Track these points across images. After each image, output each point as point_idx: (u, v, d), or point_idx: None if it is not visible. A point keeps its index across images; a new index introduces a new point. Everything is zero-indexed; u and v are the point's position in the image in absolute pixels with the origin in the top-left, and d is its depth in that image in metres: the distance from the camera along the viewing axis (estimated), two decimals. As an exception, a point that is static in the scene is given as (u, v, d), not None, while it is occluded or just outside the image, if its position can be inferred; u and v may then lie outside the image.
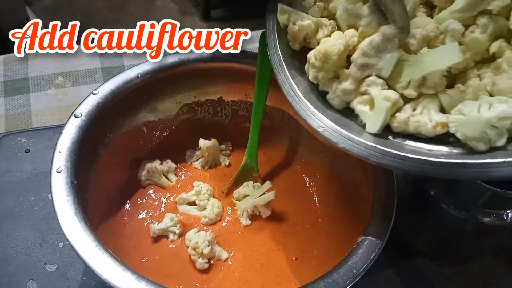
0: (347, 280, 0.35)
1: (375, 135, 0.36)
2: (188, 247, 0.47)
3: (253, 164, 0.53)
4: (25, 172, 0.54)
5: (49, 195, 0.50)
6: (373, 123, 0.37)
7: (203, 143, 0.54)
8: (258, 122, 0.51)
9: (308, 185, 0.56)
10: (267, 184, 0.51)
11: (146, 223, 0.50)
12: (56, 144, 0.41)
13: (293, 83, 0.40)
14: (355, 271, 0.36)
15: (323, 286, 0.35)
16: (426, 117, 0.35)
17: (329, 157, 0.53)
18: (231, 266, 0.48)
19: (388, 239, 0.39)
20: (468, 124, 0.32)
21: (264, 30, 0.46)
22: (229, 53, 0.52)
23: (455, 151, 0.34)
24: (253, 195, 0.51)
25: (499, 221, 0.43)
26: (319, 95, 0.41)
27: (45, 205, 0.51)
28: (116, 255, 0.36)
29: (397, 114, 0.36)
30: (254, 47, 0.78)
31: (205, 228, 0.50)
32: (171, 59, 0.51)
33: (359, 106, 0.38)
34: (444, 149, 0.34)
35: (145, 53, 0.73)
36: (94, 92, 0.46)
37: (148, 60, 0.50)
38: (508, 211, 0.43)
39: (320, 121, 0.37)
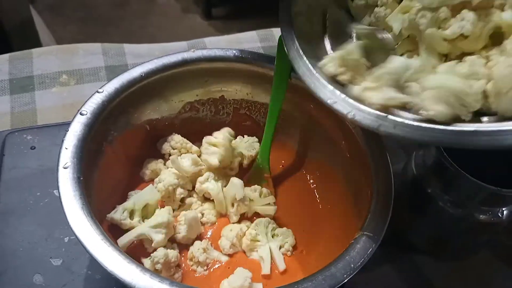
0: (344, 273, 0.36)
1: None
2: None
3: (265, 164, 0.55)
4: (30, 168, 0.55)
5: (55, 191, 0.52)
6: None
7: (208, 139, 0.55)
8: (272, 126, 0.52)
9: (309, 182, 0.57)
10: (271, 198, 0.52)
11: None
12: (62, 141, 0.42)
13: (304, 57, 0.41)
14: (352, 265, 0.37)
15: (322, 279, 0.36)
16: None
17: (329, 155, 0.54)
18: (235, 263, 0.48)
19: (386, 236, 0.40)
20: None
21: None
22: (231, 52, 0.53)
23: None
24: (256, 202, 0.52)
25: (494, 218, 0.44)
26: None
27: (50, 201, 0.52)
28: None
29: None
30: (256, 46, 0.80)
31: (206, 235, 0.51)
32: (174, 59, 0.52)
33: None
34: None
35: (147, 52, 0.74)
36: (99, 90, 0.47)
37: (151, 59, 0.51)
38: (503, 209, 0.44)
39: (330, 94, 0.38)
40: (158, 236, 0.45)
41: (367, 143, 0.47)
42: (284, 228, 0.51)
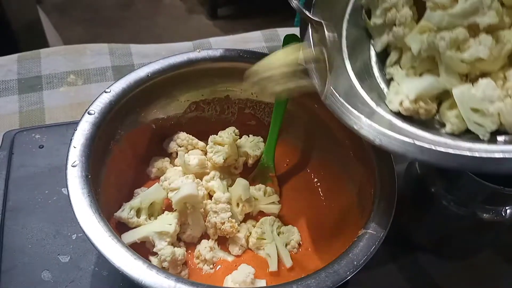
0: (347, 271, 0.37)
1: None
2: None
3: (270, 163, 0.55)
4: (39, 167, 0.56)
5: (63, 189, 0.53)
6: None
7: (212, 138, 0.56)
8: (277, 126, 0.53)
9: (313, 180, 0.57)
10: (275, 197, 0.53)
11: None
12: (71, 140, 0.43)
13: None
14: (355, 262, 0.37)
15: (325, 276, 0.36)
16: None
17: (333, 154, 0.54)
18: (242, 261, 0.49)
19: (389, 235, 0.40)
20: None
21: (288, 34, 0.48)
22: (237, 52, 0.54)
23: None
24: (261, 201, 0.53)
25: (498, 217, 0.44)
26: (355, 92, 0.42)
27: (58, 199, 0.53)
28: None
29: None
30: (260, 46, 0.81)
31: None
32: (180, 59, 0.52)
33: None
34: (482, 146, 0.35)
35: (153, 52, 0.75)
36: (106, 90, 0.48)
37: (157, 60, 0.52)
38: (506, 208, 0.44)
39: (356, 119, 0.38)
40: (161, 243, 0.45)
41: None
42: (290, 226, 0.51)
